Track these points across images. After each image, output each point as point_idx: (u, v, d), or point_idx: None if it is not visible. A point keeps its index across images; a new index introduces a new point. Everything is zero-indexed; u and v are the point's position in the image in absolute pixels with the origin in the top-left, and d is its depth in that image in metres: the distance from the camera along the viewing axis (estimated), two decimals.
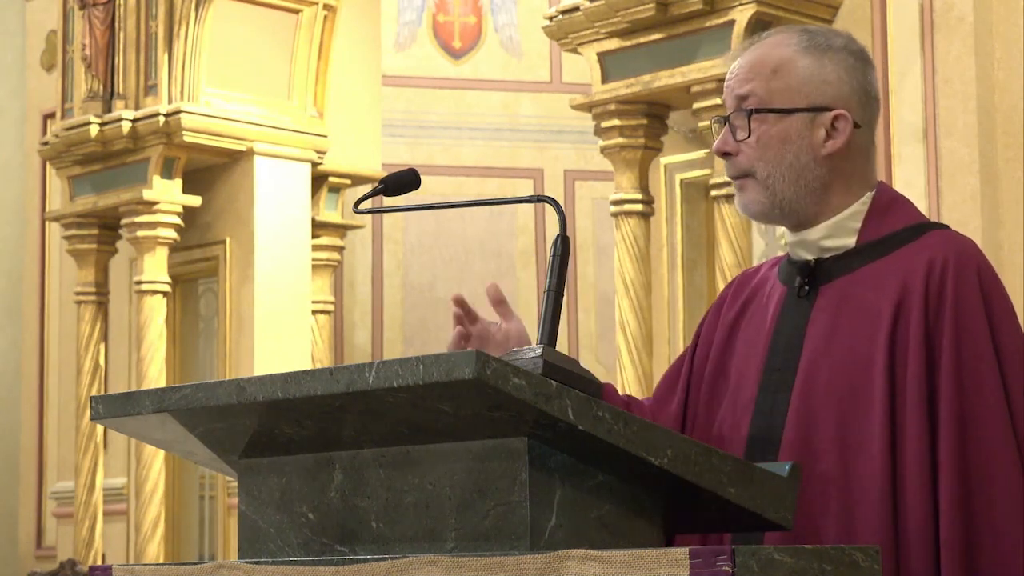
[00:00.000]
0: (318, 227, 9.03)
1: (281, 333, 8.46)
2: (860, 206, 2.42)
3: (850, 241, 2.41)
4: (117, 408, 2.29)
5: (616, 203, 6.72)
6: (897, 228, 2.41)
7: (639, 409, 2.56)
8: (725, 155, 2.45)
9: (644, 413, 2.55)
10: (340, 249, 9.43)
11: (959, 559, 2.22)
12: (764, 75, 2.42)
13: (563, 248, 2.35)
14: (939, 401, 2.27)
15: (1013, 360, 2.31)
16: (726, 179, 6.39)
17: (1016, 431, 2.27)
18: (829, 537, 2.27)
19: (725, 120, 2.45)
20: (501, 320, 2.54)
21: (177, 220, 8.51)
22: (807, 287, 2.42)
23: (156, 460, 8.36)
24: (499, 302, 2.51)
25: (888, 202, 2.44)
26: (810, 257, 2.43)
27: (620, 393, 2.60)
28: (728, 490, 2.02)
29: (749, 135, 2.40)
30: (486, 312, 2.58)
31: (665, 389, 2.58)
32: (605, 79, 6.71)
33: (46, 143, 8.95)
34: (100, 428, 8.69)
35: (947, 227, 2.47)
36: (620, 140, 6.69)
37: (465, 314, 2.52)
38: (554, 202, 2.41)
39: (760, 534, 2.21)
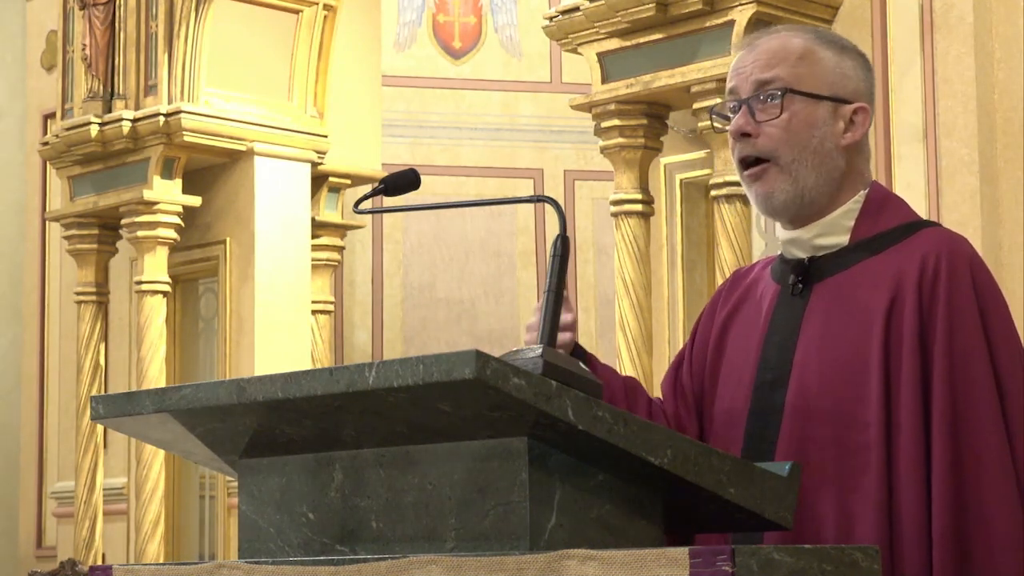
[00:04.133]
0: (318, 227, 9.03)
1: (281, 333, 8.46)
2: (854, 204, 2.43)
3: (843, 239, 2.42)
4: (117, 408, 2.29)
5: (616, 203, 6.72)
6: (890, 226, 2.41)
7: (647, 403, 2.55)
8: (744, 136, 2.42)
9: (661, 414, 2.55)
10: (340, 249, 9.42)
11: (952, 555, 2.23)
12: (790, 61, 2.42)
13: (563, 248, 2.35)
14: (932, 398, 2.28)
15: (1006, 356, 2.31)
16: (726, 179, 6.43)
17: (1009, 427, 2.28)
18: (826, 536, 2.27)
19: (740, 105, 2.43)
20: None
21: (177, 220, 8.51)
22: (801, 285, 2.43)
23: (156, 460, 8.36)
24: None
25: (881, 200, 2.45)
26: (803, 255, 2.44)
27: (620, 374, 2.59)
28: (728, 490, 2.02)
29: (780, 114, 2.39)
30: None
31: (672, 390, 2.58)
32: (605, 79, 6.71)
33: (46, 143, 8.95)
34: (100, 428, 8.69)
35: (939, 225, 2.48)
36: (620, 140, 6.69)
37: None
38: (554, 202, 2.41)
39: (759, 533, 2.21)
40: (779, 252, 2.51)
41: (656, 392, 2.72)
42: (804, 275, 2.43)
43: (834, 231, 2.42)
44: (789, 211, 2.42)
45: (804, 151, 2.39)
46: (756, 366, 2.42)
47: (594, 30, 6.69)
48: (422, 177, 2.54)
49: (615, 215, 6.73)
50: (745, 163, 2.43)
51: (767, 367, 2.41)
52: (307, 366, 8.28)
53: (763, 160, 2.41)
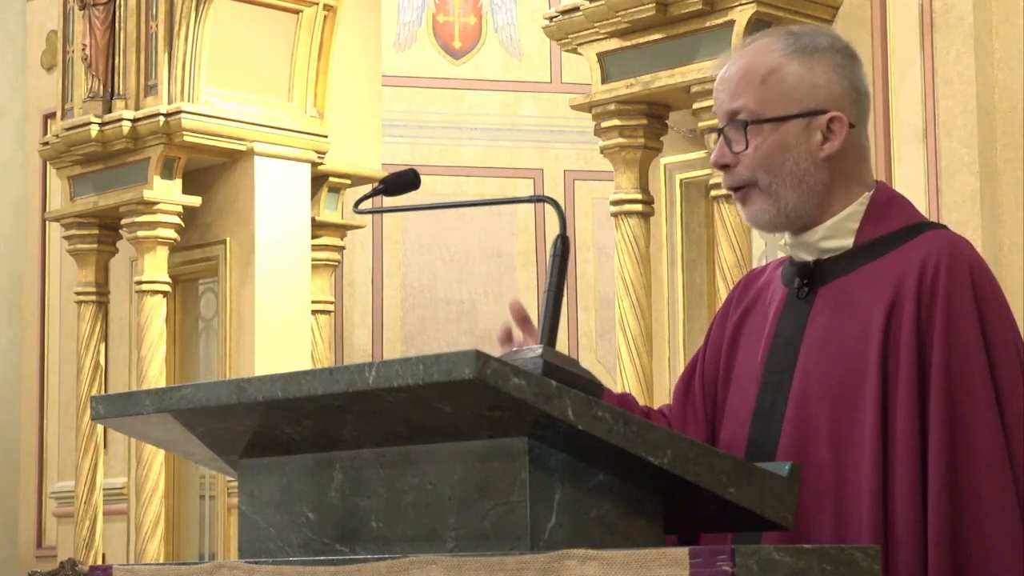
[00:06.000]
0: (318, 227, 9.03)
1: (281, 333, 8.46)
2: (858, 207, 2.43)
3: (848, 242, 2.42)
4: (117, 408, 2.29)
5: (616, 203, 6.72)
6: (894, 228, 2.41)
7: (659, 419, 2.56)
8: (723, 167, 2.44)
9: (670, 421, 2.55)
10: (340, 249, 9.42)
11: (947, 557, 2.23)
12: (754, 85, 2.41)
13: (563, 248, 2.35)
14: (929, 400, 2.28)
15: (1004, 358, 2.31)
16: None
17: (1006, 430, 2.28)
18: (823, 537, 2.27)
19: (720, 132, 2.45)
20: (527, 337, 2.50)
21: (177, 220, 8.51)
22: (806, 288, 2.43)
23: (156, 460, 8.36)
24: (522, 319, 2.48)
25: (886, 202, 2.45)
26: (809, 258, 2.44)
27: (614, 392, 2.60)
28: (728, 490, 2.02)
29: (746, 147, 2.40)
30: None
31: (683, 394, 2.58)
32: (605, 79, 6.71)
33: (46, 143, 8.95)
34: (100, 428, 8.69)
35: (944, 227, 2.47)
36: (620, 140, 6.69)
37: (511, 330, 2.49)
38: (554, 202, 2.41)
39: (757, 533, 2.21)
40: (787, 254, 2.52)
41: (658, 396, 2.73)
42: (809, 278, 2.43)
43: (839, 234, 2.42)
44: (777, 227, 2.45)
45: (780, 174, 2.40)
46: (762, 369, 2.43)
47: (594, 30, 6.69)
48: (422, 177, 2.54)
49: (615, 215, 6.73)
50: (732, 189, 2.46)
51: (772, 370, 2.41)
52: (307, 366, 8.28)
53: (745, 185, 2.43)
